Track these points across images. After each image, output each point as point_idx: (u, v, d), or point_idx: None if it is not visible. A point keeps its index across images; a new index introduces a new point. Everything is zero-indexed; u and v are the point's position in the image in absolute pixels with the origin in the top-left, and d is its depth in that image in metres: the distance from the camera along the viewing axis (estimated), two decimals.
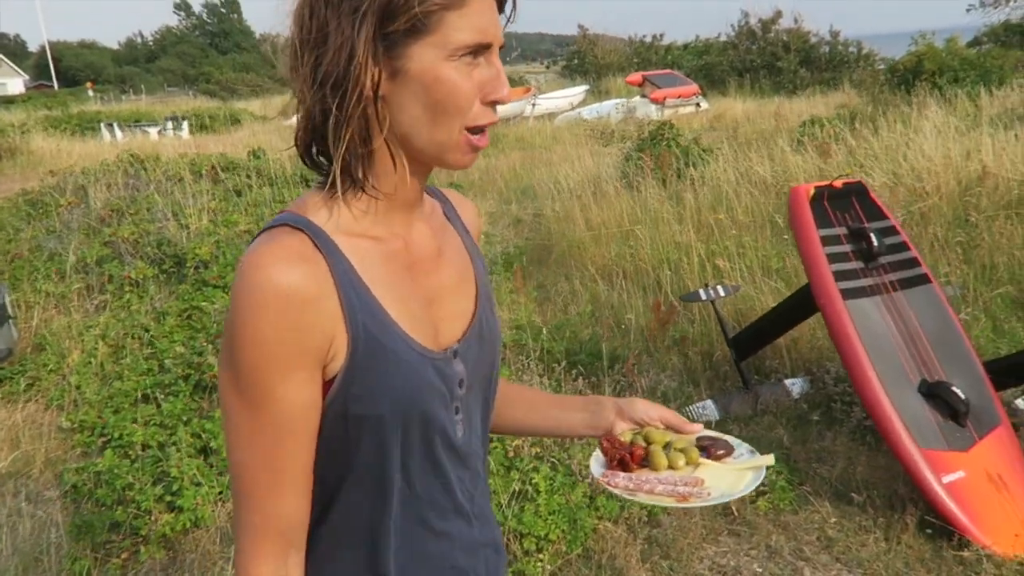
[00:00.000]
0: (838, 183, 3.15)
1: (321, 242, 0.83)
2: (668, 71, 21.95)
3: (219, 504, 3.01)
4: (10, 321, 4.89)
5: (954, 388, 2.79)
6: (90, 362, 4.44)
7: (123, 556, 2.86)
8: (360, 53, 0.78)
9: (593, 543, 2.72)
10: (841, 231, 3.08)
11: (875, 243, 2.99)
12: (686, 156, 8.05)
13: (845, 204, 3.15)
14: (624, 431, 1.11)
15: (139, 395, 3.94)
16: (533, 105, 20.01)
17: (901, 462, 2.71)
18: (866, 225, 3.06)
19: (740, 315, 4.41)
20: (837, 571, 2.61)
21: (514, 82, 32.84)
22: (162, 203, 6.61)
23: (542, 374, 3.71)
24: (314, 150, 0.86)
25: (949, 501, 2.64)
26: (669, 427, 1.11)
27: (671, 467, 1.03)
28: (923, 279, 3.08)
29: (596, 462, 1.05)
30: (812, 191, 3.09)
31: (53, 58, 58.14)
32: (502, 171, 11.06)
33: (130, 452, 3.44)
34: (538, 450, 2.97)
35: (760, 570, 2.63)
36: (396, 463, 0.87)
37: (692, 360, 4.14)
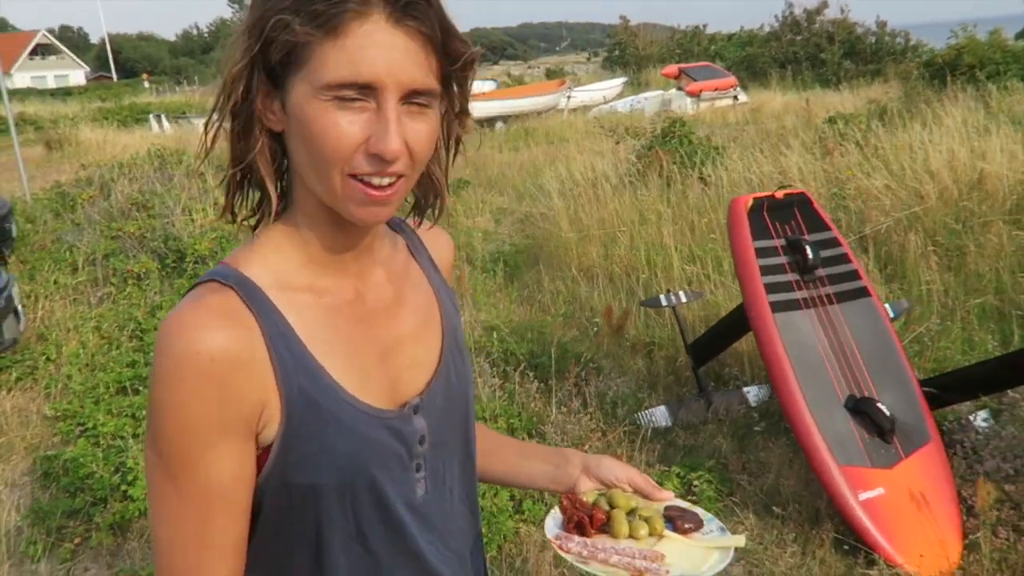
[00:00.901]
0: (779, 194, 3.14)
1: (252, 299, 0.78)
2: (705, 63, 21.61)
3: None
4: (17, 312, 5.15)
5: (879, 405, 2.77)
6: (80, 353, 4.66)
7: (76, 541, 3.04)
8: (245, 77, 0.74)
9: (512, 547, 2.79)
10: (779, 243, 3.07)
11: (810, 255, 2.98)
12: (695, 154, 8.00)
13: (786, 215, 3.13)
14: (588, 490, 1.04)
15: (120, 386, 4.14)
16: (568, 98, 19.95)
17: (819, 478, 2.71)
18: (804, 237, 3.05)
19: (711, 322, 4.39)
20: None
21: (553, 74, 32.87)
22: (170, 198, 6.83)
23: (494, 376, 3.77)
24: (240, 195, 0.82)
25: (864, 517, 2.63)
26: (637, 491, 1.03)
27: (632, 536, 0.97)
28: (862, 292, 3.05)
29: (552, 520, 1.00)
30: (751, 202, 3.08)
31: (112, 50, 60.08)
32: (523, 166, 11.11)
33: (100, 441, 3.63)
34: None
35: None
36: (351, 532, 0.83)
37: (656, 365, 4.16)
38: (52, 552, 2.98)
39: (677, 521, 0.99)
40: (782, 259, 3.03)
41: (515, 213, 8.10)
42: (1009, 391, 3.28)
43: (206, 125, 0.80)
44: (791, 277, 3.00)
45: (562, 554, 0.93)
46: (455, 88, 0.82)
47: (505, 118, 17.77)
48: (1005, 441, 2.97)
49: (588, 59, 55.82)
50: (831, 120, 9.42)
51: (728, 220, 3.12)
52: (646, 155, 8.08)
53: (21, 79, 51.76)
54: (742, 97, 19.54)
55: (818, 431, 2.72)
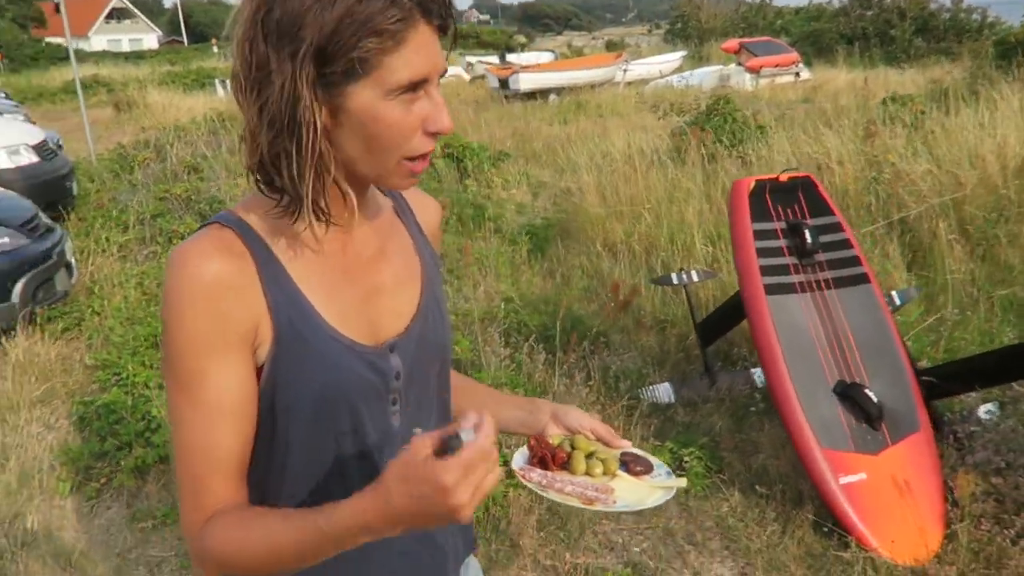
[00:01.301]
0: (784, 177, 3.13)
1: (249, 239, 0.88)
2: (767, 38, 21.05)
3: None
4: (69, 266, 5.46)
5: (867, 391, 2.78)
6: (123, 307, 4.94)
7: (101, 481, 3.28)
8: (305, 96, 0.81)
9: (499, 509, 2.91)
10: (779, 226, 3.07)
11: (808, 239, 2.97)
12: (739, 132, 7.88)
13: (790, 198, 3.13)
14: (555, 435, 1.14)
15: (154, 340, 4.39)
16: (624, 71, 19.69)
17: (801, 458, 2.74)
18: (805, 221, 3.04)
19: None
20: (721, 558, 2.70)
21: (614, 46, 32.41)
22: (217, 163, 7.09)
23: (502, 345, 3.87)
24: (266, 180, 0.88)
25: (843, 500, 2.66)
26: (599, 438, 1.13)
27: (588, 474, 1.07)
28: (862, 278, 3.04)
29: (520, 456, 1.09)
30: (752, 184, 3.09)
31: (184, 15, 61.42)
32: (570, 139, 11.08)
33: (132, 391, 3.88)
34: None
35: (647, 547, 2.75)
36: (330, 449, 0.93)
37: (668, 342, 4.20)
38: (79, 490, 3.23)
39: (630, 464, 1.10)
40: (781, 242, 3.03)
41: (554, 187, 8.14)
42: (1015, 384, 3.25)
43: (247, 133, 0.86)
44: (789, 260, 3.01)
45: (524, 482, 1.02)
46: None
47: (559, 90, 17.67)
48: (1001, 434, 2.95)
49: (649, 31, 54.69)
50: (885, 101, 9.15)
51: (729, 202, 3.13)
52: (686, 132, 8.02)
53: (98, 42, 53.54)
54: (804, 74, 19.00)
55: (803, 413, 2.75)
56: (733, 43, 19.68)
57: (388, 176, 0.89)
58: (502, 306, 4.21)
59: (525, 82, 17.43)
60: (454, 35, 0.88)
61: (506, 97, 17.59)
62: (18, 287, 4.79)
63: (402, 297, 1.00)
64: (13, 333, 4.62)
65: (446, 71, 0.89)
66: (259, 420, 0.90)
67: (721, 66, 19.16)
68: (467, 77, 22.48)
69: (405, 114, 0.84)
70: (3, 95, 20.70)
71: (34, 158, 7.15)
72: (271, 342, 0.88)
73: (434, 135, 0.87)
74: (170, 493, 3.18)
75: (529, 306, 4.24)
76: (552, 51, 27.13)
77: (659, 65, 21.34)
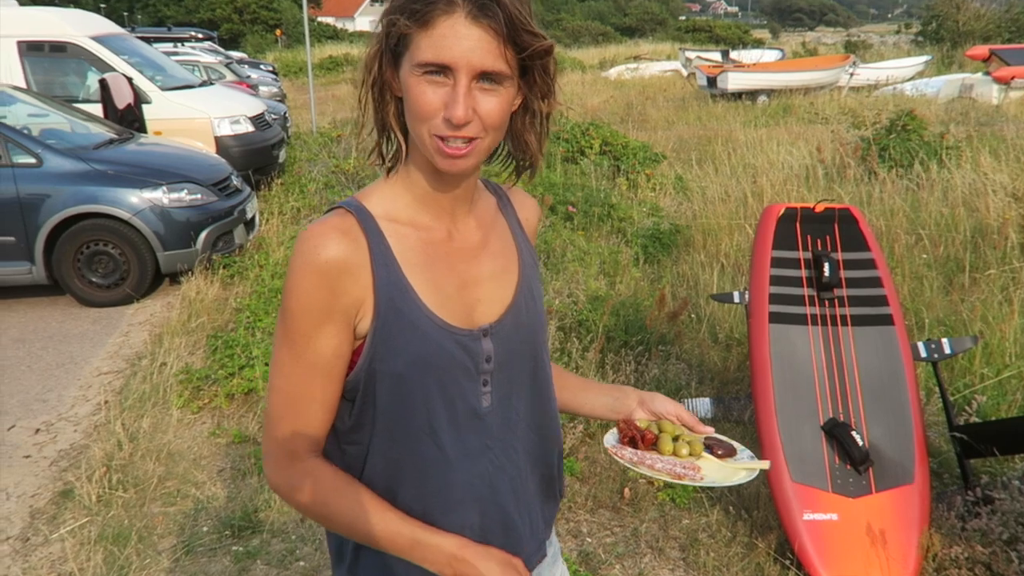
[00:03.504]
0: (819, 207, 3.06)
1: (366, 224, 1.00)
2: None
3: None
4: (249, 223, 6.45)
5: (854, 433, 2.71)
6: (280, 262, 5.78)
7: (205, 400, 4.02)
8: (383, 65, 0.99)
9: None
10: (805, 256, 3.03)
11: (827, 272, 2.92)
12: (919, 151, 7.29)
13: (824, 229, 3.06)
14: (642, 419, 1.21)
15: None
16: (851, 75, 18.39)
17: (770, 488, 2.75)
18: (830, 253, 2.98)
19: None
20: (673, 566, 2.79)
21: (852, 46, 29.95)
22: None
23: (560, 341, 4.11)
24: (386, 143, 1.04)
25: (804, 536, 2.64)
26: (684, 424, 1.21)
27: (675, 454, 1.14)
28: (886, 320, 2.92)
29: (611, 435, 1.17)
30: (783, 211, 3.07)
31: None
32: (761, 143, 10.74)
33: (256, 333, 4.63)
34: None
35: (608, 542, 2.91)
36: (423, 425, 1.03)
37: (731, 359, 4.19)
38: (187, 405, 3.98)
39: (713, 448, 1.18)
40: (801, 272, 2.99)
41: (708, 192, 8.05)
42: None
43: (360, 97, 1.03)
44: (805, 291, 2.97)
45: (616, 459, 1.11)
46: (536, 73, 1.00)
47: (769, 92, 16.96)
48: (1022, 505, 2.72)
49: (898, 31, 49.75)
50: None
51: (757, 225, 3.13)
52: (862, 147, 7.55)
53: (361, 23, 59.07)
54: None
55: (780, 443, 2.75)
56: (983, 49, 17.57)
57: (428, 150, 0.97)
58: (572, 303, 4.43)
59: (733, 81, 16.93)
60: (507, 31, 0.92)
61: (712, 96, 17.22)
62: (202, 236, 5.82)
63: (499, 287, 1.09)
64: (192, 274, 5.63)
65: (485, 72, 0.93)
66: (363, 382, 1.02)
67: (964, 75, 17.24)
68: (685, 72, 22.17)
69: (430, 93, 0.93)
70: (271, 69, 23.84)
71: (250, 128, 8.39)
72: (372, 315, 0.99)
73: (450, 123, 0.93)
74: (245, 421, 3.84)
75: (602, 307, 4.42)
76: (780, 50, 25.82)
77: (893, 70, 19.66)
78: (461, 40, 0.91)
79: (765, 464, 1.15)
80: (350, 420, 1.05)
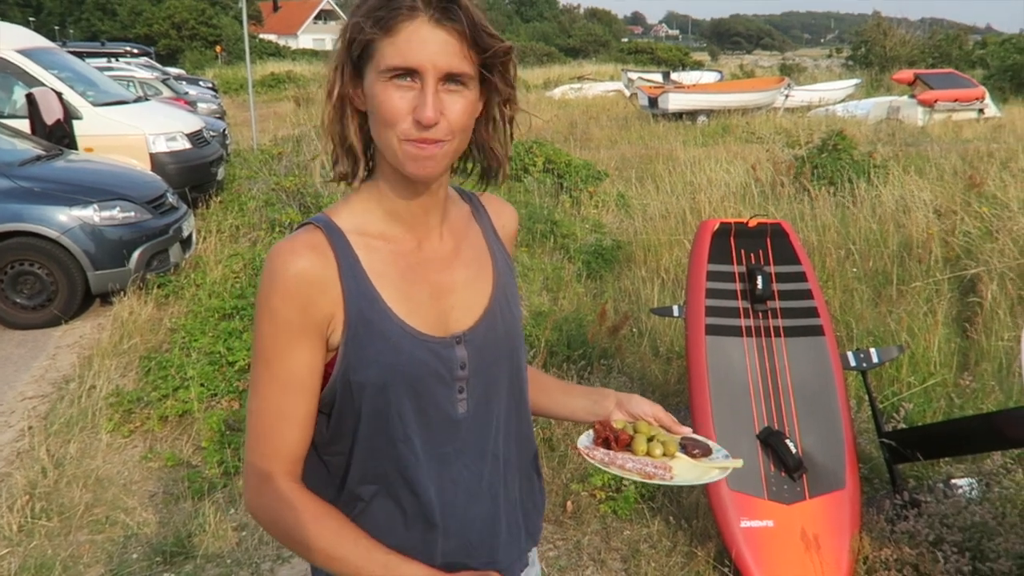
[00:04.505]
0: (752, 222, 3.15)
1: (334, 238, 1.01)
2: (949, 71, 19.48)
3: (206, 401, 3.92)
4: (185, 241, 6.28)
5: (787, 441, 2.77)
6: (217, 281, 5.65)
7: (136, 424, 3.89)
8: (345, 81, 0.99)
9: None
10: (739, 269, 3.10)
11: (759, 285, 2.99)
12: (849, 170, 7.56)
13: (757, 244, 3.14)
14: (619, 420, 1.22)
15: (225, 313, 5.03)
16: (786, 96, 19.02)
17: (708, 496, 2.79)
18: (763, 267, 3.06)
19: None
20: None
21: (787, 69, 31.08)
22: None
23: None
24: (340, 171, 1.05)
25: (741, 543, 2.68)
26: (661, 424, 1.22)
27: (648, 454, 1.15)
28: (816, 330, 3.00)
29: (585, 437, 1.18)
30: (717, 226, 3.14)
31: None
32: (697, 162, 10.99)
33: (191, 354, 4.50)
34: None
35: (549, 556, 2.91)
36: (395, 425, 1.03)
37: (672, 373, 4.25)
38: (117, 429, 3.84)
39: (689, 447, 1.19)
40: (736, 285, 3.06)
41: (643, 209, 8.19)
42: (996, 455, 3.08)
43: (323, 114, 1.03)
44: (740, 304, 3.04)
45: (588, 459, 1.12)
46: (497, 75, 1.01)
47: (708, 113, 17.40)
48: (951, 507, 2.82)
49: (830, 55, 51.82)
50: None
51: (693, 240, 3.20)
52: (796, 166, 7.80)
53: (304, 40, 58.63)
54: (991, 111, 17.47)
55: None
56: (908, 73, 18.39)
57: (398, 157, 0.97)
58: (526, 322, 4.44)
59: (674, 102, 17.33)
60: (470, 33, 0.94)
61: (654, 116, 17.57)
62: (135, 255, 5.65)
63: (472, 295, 1.10)
64: (124, 294, 5.45)
65: (451, 73, 0.95)
66: (338, 394, 1.02)
67: (892, 98, 18.01)
68: (627, 93, 22.59)
69: (397, 98, 0.94)
70: (210, 85, 23.46)
71: (187, 145, 8.22)
72: (343, 327, 1.00)
73: (420, 124, 0.94)
74: (179, 444, 3.72)
75: (545, 322, 4.44)
76: (719, 72, 26.57)
77: (827, 92, 20.39)
78: (427, 43, 0.93)
79: (739, 463, 1.16)
80: (328, 433, 1.06)
